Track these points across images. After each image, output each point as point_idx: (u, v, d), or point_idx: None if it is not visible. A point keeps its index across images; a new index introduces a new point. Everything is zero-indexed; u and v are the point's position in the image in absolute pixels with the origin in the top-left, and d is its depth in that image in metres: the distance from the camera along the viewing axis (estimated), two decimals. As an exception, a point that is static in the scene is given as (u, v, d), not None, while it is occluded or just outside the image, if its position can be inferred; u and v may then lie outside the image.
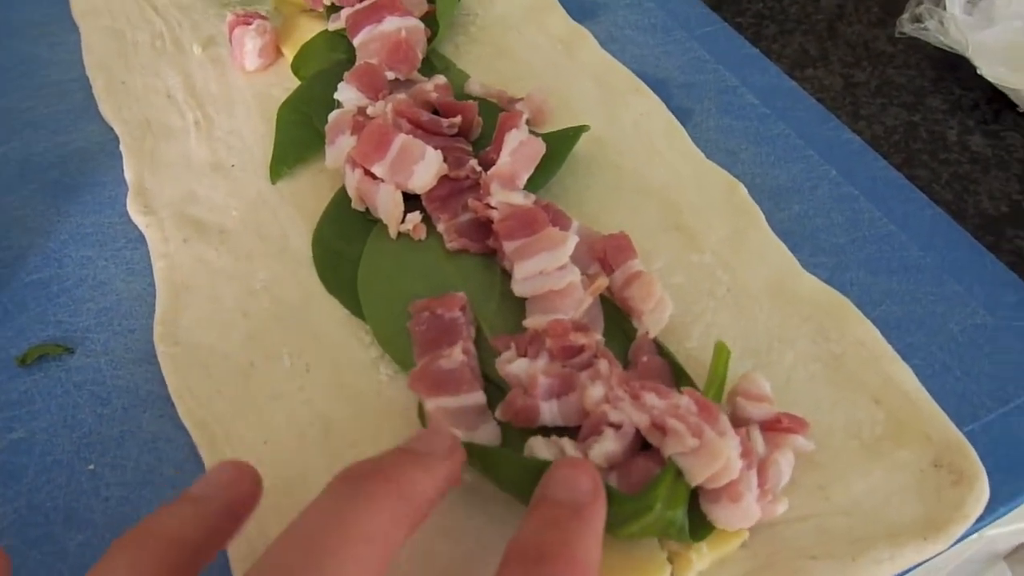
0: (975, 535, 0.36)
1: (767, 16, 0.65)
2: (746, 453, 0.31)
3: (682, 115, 0.52)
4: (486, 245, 0.40)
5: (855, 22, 0.64)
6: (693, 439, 0.30)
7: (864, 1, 0.66)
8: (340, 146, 0.44)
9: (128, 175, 0.49)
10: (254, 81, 0.54)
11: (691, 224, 0.45)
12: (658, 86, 0.54)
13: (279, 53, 0.55)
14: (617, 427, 0.32)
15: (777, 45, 0.62)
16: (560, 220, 0.41)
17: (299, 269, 0.44)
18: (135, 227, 0.47)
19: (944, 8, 0.59)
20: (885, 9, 0.65)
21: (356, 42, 0.50)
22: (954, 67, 0.59)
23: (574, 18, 0.59)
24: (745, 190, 0.47)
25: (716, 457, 0.30)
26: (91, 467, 0.38)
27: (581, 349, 0.34)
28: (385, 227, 0.42)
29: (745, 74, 0.56)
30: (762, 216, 0.45)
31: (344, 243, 0.43)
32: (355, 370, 0.39)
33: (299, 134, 0.49)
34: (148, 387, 0.40)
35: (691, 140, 0.50)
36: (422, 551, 0.33)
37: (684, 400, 0.31)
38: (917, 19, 0.60)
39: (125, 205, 0.48)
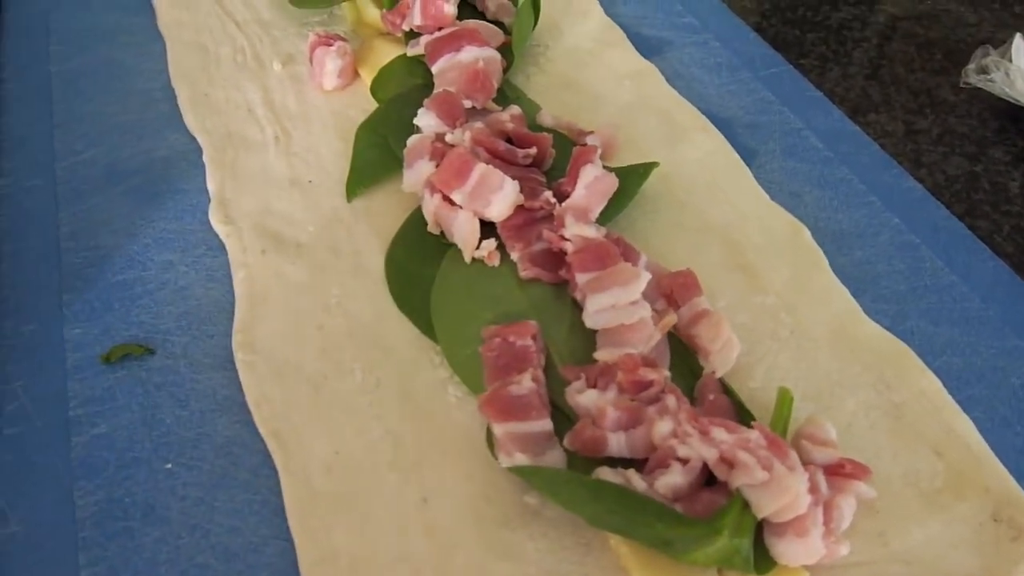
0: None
1: (830, 59, 0.66)
2: (813, 490, 0.32)
3: (746, 155, 0.53)
4: (559, 275, 0.42)
5: (918, 69, 0.65)
6: (763, 472, 0.31)
7: (928, 48, 0.67)
8: (418, 170, 0.46)
9: (210, 185, 0.51)
10: (332, 100, 0.56)
11: (754, 264, 0.46)
12: (723, 125, 0.55)
13: (357, 75, 0.57)
14: (684, 461, 0.33)
15: (840, 88, 0.63)
16: (630, 254, 0.42)
17: (372, 286, 0.45)
18: (215, 235, 0.49)
19: (1011, 60, 0.59)
20: (948, 58, 0.65)
21: (435, 69, 0.52)
22: (1017, 119, 0.59)
23: (641, 54, 0.61)
24: (808, 233, 0.48)
25: (785, 490, 0.31)
26: (168, 466, 0.39)
27: (650, 384, 0.36)
28: (460, 252, 0.43)
29: (809, 116, 0.57)
30: (825, 260, 0.46)
31: (417, 264, 0.45)
32: (424, 389, 0.41)
33: (376, 155, 0.51)
34: (225, 392, 0.42)
35: (755, 180, 0.51)
36: (478, 570, 0.34)
37: (754, 435, 0.32)
38: (983, 70, 0.60)
39: (206, 213, 0.49)
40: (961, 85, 0.61)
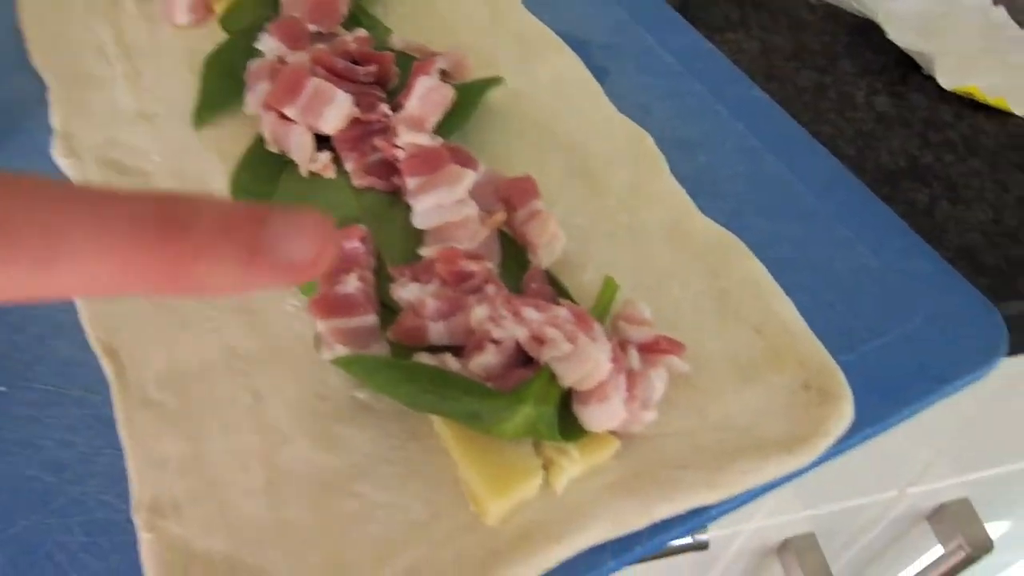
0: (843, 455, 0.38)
1: (692, -17, 0.67)
2: (616, 359, 0.33)
3: (600, 73, 0.54)
4: (392, 183, 0.42)
5: (776, -9, 0.67)
6: (568, 344, 0.32)
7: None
8: (258, 92, 0.46)
9: (54, 121, 0.50)
10: (185, 36, 0.55)
11: (596, 171, 0.47)
12: (579, 46, 0.56)
13: (210, 10, 0.56)
14: (499, 343, 0.34)
15: (700, 12, 0.64)
16: (467, 162, 0.43)
17: (217, 209, 0.45)
18: (60, 173, 0.48)
19: (859, -23, 0.61)
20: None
21: (283, -2, 0.52)
22: (866, 32, 0.61)
23: (497, -21, 0.61)
24: (651, 140, 0.49)
25: (587, 359, 0.32)
26: (2, 389, 0.39)
27: (471, 275, 0.36)
28: (297, 167, 0.44)
29: (664, 36, 0.58)
30: (666, 164, 0.47)
31: (260, 185, 0.45)
32: (263, 301, 0.41)
33: (224, 84, 0.50)
34: (62, 316, 0.41)
35: (605, 96, 0.52)
36: (306, 462, 0.35)
37: (562, 312, 0.33)
38: (834, -12, 0.62)
39: (50, 152, 0.49)
40: (812, 2, 0.62)
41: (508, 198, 0.42)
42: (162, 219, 0.21)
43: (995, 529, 0.95)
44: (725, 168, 0.49)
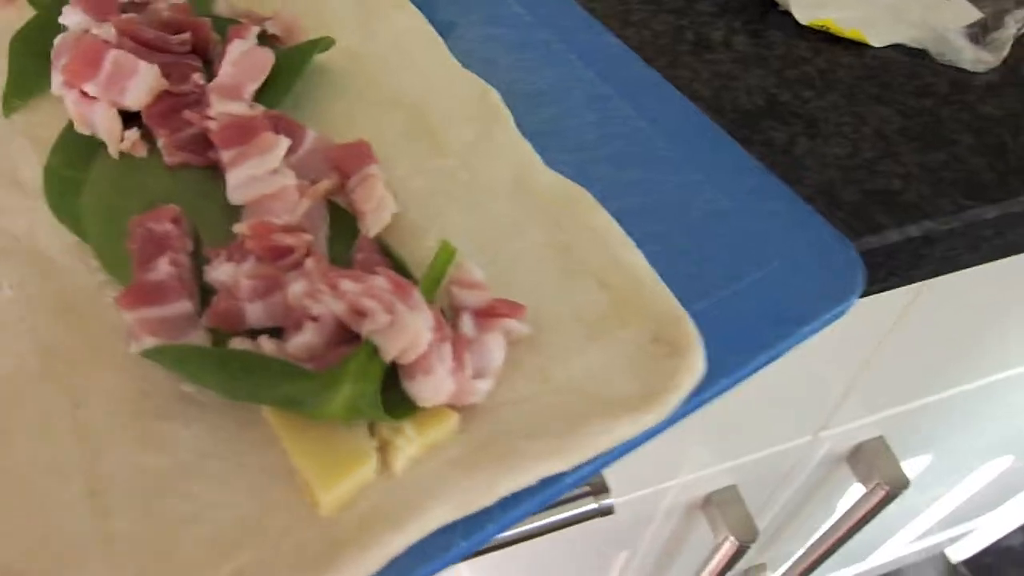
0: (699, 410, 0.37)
1: (550, -68, 0.65)
2: (438, 328, 0.31)
3: (445, 28, 0.52)
4: (208, 158, 0.39)
5: (634, -67, 0.65)
6: (386, 315, 0.30)
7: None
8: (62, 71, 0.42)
9: None
10: (-7, 15, 0.51)
11: (437, 130, 0.44)
12: (423, 3, 0.53)
13: (18, -15, 0.52)
14: (317, 319, 0.32)
15: (556, -41, 0.62)
16: (293, 130, 0.40)
17: (28, 200, 0.41)
18: None
19: (711, -86, 0.60)
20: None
21: (90, -35, 0.48)
22: (721, -28, 0.60)
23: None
24: (497, 95, 0.47)
25: (405, 330, 0.30)
26: None
27: (289, 250, 0.34)
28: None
29: (513, -15, 0.56)
30: (510, 118, 0.45)
31: (74, 170, 0.41)
32: (81, 296, 0.38)
33: (34, 65, 0.46)
34: None
35: (449, 52, 0.50)
36: (130, 466, 0.33)
37: (379, 280, 0.31)
38: (687, -73, 0.60)
39: None
40: (666, -57, 0.61)
41: (340, 165, 0.40)
42: None
43: (917, 465, 0.98)
44: (573, 118, 0.47)
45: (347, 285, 0.31)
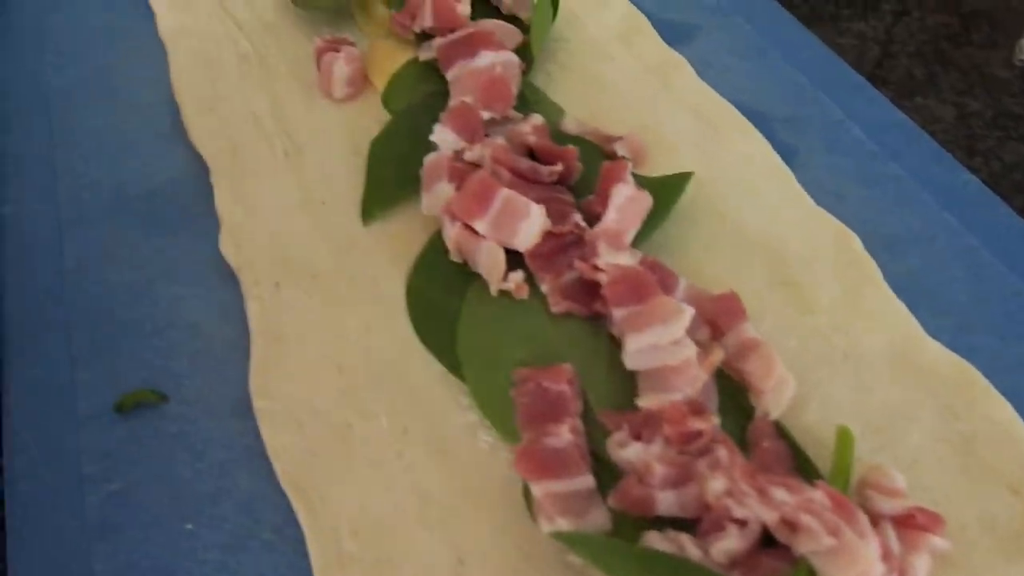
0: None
1: (869, 36, 0.62)
2: (887, 556, 0.29)
3: (787, 153, 0.50)
4: (593, 308, 0.39)
5: (965, 44, 0.61)
6: (829, 538, 0.29)
7: (974, 21, 0.62)
8: (437, 193, 0.43)
9: (219, 209, 0.48)
10: (343, 110, 0.53)
11: (800, 280, 0.43)
12: (759, 120, 0.51)
13: (368, 82, 0.54)
14: (741, 523, 0.30)
15: (881, 71, 0.59)
16: (668, 280, 0.39)
17: (392, 318, 0.42)
18: (224, 264, 0.46)
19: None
20: (998, 30, 0.61)
21: (449, 76, 0.48)
22: (1078, 99, 0.55)
23: (667, 41, 0.57)
24: (859, 241, 0.44)
25: (857, 559, 0.28)
26: (189, 526, 0.37)
27: (699, 435, 0.33)
28: (485, 283, 0.41)
29: (850, 105, 0.53)
30: (878, 272, 0.43)
31: (440, 294, 0.42)
32: (454, 436, 0.38)
33: (391, 173, 0.48)
34: (245, 441, 0.39)
35: (798, 184, 0.48)
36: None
37: (817, 495, 0.30)
38: (1037, 45, 0.56)
39: (214, 241, 0.47)
40: (1015, 62, 0.56)
41: (713, 319, 0.39)
42: None
43: None
44: (941, 273, 0.44)
45: (780, 495, 0.30)
